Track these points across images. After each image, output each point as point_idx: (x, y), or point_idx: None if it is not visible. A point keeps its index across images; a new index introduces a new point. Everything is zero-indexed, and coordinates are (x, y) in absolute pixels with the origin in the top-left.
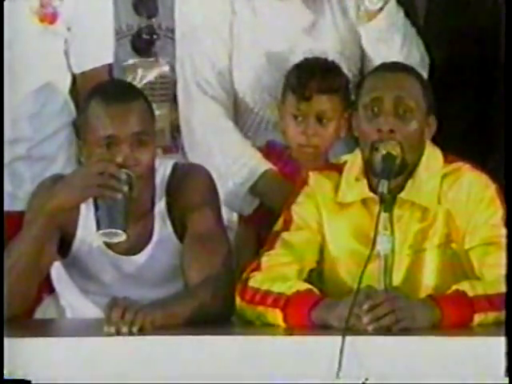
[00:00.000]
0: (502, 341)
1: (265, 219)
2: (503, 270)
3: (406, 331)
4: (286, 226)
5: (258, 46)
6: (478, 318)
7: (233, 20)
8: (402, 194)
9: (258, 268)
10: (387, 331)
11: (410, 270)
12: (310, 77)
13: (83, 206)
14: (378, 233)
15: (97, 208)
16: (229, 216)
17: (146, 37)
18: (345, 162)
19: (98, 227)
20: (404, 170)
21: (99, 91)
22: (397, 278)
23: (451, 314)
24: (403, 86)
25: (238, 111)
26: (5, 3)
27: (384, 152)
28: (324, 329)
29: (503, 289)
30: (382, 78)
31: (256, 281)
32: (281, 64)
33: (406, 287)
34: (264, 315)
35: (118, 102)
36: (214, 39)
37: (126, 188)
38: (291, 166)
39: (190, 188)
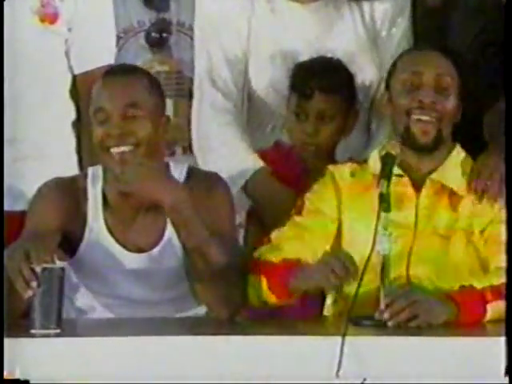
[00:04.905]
0: (501, 341)
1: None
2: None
3: (405, 332)
4: (298, 211)
5: (275, 46)
6: (490, 309)
7: (251, 18)
8: (434, 175)
9: (266, 242)
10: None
11: (436, 252)
12: (311, 75)
13: (91, 208)
14: (377, 233)
15: None
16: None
17: (158, 32)
18: (365, 160)
19: None
20: (440, 145)
21: (105, 73)
22: (418, 261)
23: (466, 308)
24: (442, 64)
25: (253, 110)
26: (5, 3)
27: (384, 152)
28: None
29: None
30: (420, 55)
31: (259, 252)
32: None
33: (433, 270)
34: (254, 283)
35: (115, 75)
36: (232, 36)
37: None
38: (300, 166)
39: (210, 204)
